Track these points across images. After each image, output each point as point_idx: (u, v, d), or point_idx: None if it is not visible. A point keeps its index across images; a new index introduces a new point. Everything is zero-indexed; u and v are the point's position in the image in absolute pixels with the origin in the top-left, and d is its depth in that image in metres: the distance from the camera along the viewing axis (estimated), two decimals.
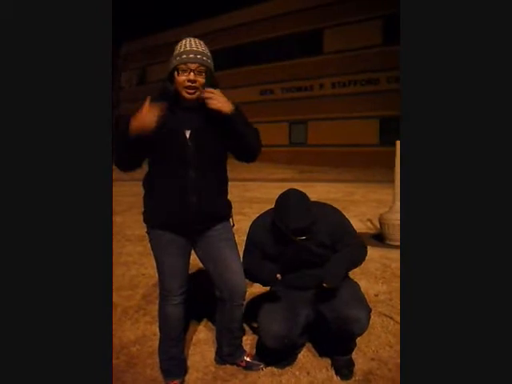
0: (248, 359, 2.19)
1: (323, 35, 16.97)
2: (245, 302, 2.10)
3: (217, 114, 1.76)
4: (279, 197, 2.00)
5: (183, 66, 1.73)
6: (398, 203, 4.50)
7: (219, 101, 1.74)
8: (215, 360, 2.25)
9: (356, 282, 2.24)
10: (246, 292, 2.06)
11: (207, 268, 2.05)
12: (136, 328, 2.65)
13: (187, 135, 1.82)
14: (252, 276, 2.13)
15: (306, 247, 2.02)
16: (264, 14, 18.22)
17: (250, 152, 1.93)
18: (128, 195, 7.31)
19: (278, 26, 17.73)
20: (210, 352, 2.33)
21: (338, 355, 2.16)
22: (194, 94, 1.77)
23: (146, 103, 1.68)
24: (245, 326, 2.54)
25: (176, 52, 1.78)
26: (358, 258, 2.11)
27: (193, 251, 2.05)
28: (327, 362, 2.21)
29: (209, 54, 1.81)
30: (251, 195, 8.65)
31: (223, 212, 2.00)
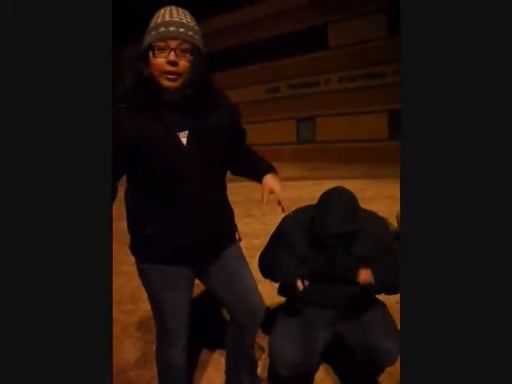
0: None
1: (327, 30, 16.61)
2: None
3: (217, 114, 1.43)
4: (324, 193, 1.69)
5: (161, 44, 1.25)
6: None
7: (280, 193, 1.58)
8: None
9: (384, 304, 1.90)
10: (264, 311, 1.72)
11: (220, 292, 1.67)
12: (136, 349, 2.36)
13: (183, 141, 1.37)
14: (269, 273, 1.84)
15: (342, 257, 1.69)
16: (265, 12, 17.77)
17: None
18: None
19: (281, 24, 17.34)
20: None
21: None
22: (175, 81, 1.29)
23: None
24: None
25: (152, 25, 1.29)
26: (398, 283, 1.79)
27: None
28: None
29: (196, 27, 1.32)
30: (259, 196, 6.72)
31: (233, 228, 1.66)
